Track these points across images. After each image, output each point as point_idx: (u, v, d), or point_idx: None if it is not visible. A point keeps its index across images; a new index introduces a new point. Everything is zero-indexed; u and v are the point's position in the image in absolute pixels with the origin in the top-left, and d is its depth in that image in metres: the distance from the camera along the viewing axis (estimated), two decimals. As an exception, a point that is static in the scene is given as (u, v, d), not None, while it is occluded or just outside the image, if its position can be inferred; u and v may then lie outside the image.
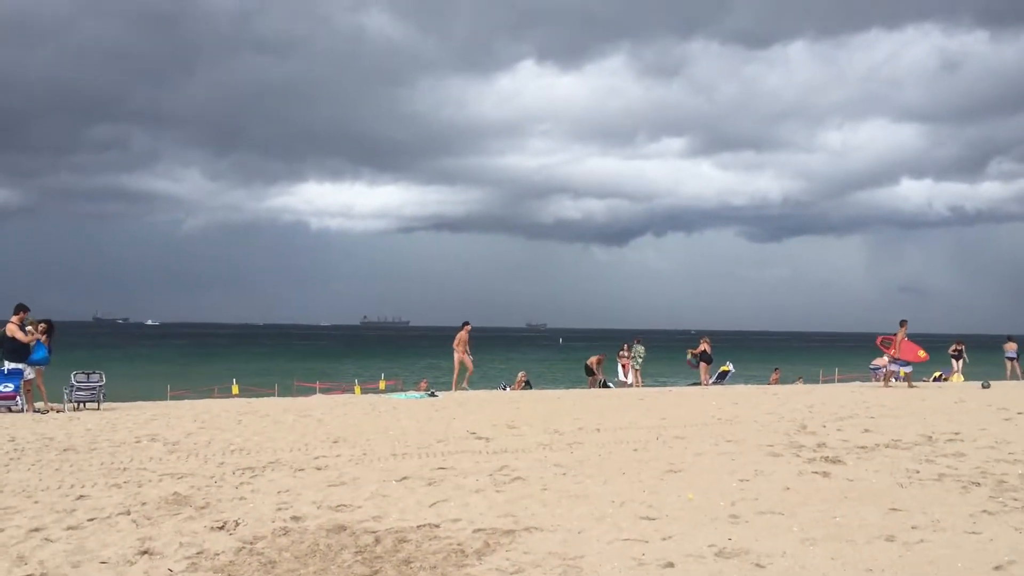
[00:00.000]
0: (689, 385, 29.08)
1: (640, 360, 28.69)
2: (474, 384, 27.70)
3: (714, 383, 28.92)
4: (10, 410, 16.31)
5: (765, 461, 10.59)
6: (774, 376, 32.10)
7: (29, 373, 16.58)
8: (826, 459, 10.69)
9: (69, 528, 7.19)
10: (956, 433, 13.22)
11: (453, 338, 24.76)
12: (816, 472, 9.77)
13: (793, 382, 31.47)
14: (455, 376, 24.73)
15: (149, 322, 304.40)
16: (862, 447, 11.77)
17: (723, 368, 30.69)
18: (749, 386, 27.99)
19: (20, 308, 16.84)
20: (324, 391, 27.37)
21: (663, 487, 8.92)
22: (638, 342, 29.13)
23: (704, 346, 28.86)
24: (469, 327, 24.69)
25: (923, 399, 20.58)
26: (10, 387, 16.49)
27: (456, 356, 24.53)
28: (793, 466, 10.20)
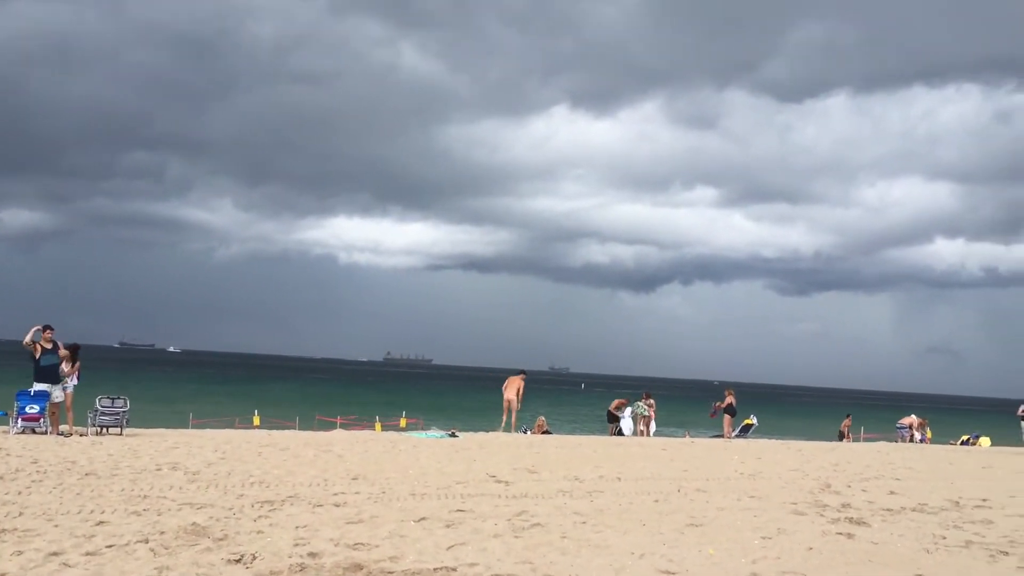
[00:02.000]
0: (711, 437, 28.78)
1: (643, 411, 28.14)
2: (491, 427, 27.62)
3: (737, 436, 28.60)
4: (34, 432, 16.45)
5: (788, 519, 10.43)
6: (846, 423, 33.02)
7: (56, 396, 16.74)
8: (851, 520, 10.51)
9: (88, 554, 7.20)
10: (984, 500, 12.98)
11: (502, 382, 26.00)
12: (840, 533, 9.61)
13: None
14: (505, 417, 25.41)
15: (171, 349, 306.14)
16: (888, 509, 11.57)
17: (747, 421, 30.36)
18: (773, 440, 27.66)
19: (46, 327, 17.11)
20: (345, 426, 27.34)
21: (683, 541, 8.80)
22: (646, 396, 28.69)
23: (729, 398, 28.59)
24: (525, 376, 25.86)
25: (950, 463, 20.25)
26: (35, 408, 16.63)
27: (505, 398, 25.43)
28: (817, 526, 10.04)
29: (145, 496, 10.03)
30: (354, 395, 72.01)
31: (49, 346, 16.86)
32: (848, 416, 34.79)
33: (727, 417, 28.54)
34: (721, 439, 27.14)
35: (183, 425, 24.56)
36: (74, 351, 17.47)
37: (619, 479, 13.68)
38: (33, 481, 10.64)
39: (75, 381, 17.40)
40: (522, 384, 25.61)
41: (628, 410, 27.71)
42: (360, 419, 29.85)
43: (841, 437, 32.62)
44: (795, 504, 11.67)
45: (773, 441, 27.39)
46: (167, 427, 21.39)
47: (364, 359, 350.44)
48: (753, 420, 30.75)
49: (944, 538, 9.57)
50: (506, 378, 26.17)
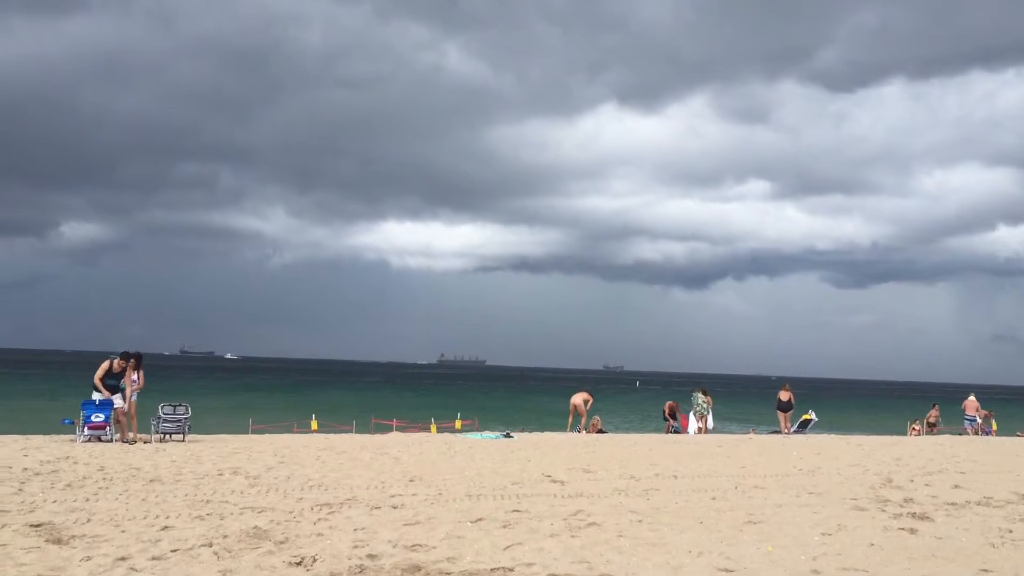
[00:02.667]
0: (769, 433, 28.45)
1: (704, 408, 28.00)
2: (548, 426, 27.66)
3: (795, 432, 28.22)
4: (100, 439, 16.87)
5: (849, 515, 10.29)
6: (933, 413, 32.11)
7: (120, 403, 17.17)
8: (913, 515, 10.33)
9: (154, 558, 7.38)
10: (1053, 492, 12.66)
11: (556, 382, 26.70)
12: (903, 528, 9.45)
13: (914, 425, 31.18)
14: (570, 420, 26.18)
15: (228, 356, 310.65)
16: (952, 504, 11.35)
17: (805, 417, 29.94)
18: (832, 436, 27.25)
19: (124, 356, 17.65)
20: (400, 429, 27.57)
21: (742, 538, 8.74)
22: (702, 392, 28.49)
23: (785, 394, 28.22)
24: (591, 398, 26.67)
25: (1017, 455, 19.76)
26: (101, 417, 17.06)
27: (571, 403, 26.32)
28: (878, 521, 9.89)
29: (208, 501, 10.24)
30: (409, 398, 72.61)
31: (119, 370, 17.44)
32: (935, 406, 33.61)
33: (782, 413, 28.16)
34: (779, 435, 26.81)
35: (243, 431, 24.98)
36: (138, 360, 17.92)
37: (675, 477, 13.61)
38: (100, 488, 10.93)
39: (139, 387, 17.86)
40: (589, 398, 26.51)
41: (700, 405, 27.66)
42: (415, 421, 30.05)
43: (931, 428, 31.85)
44: (856, 500, 11.50)
45: (832, 436, 26.98)
46: (227, 433, 21.78)
47: (418, 362, 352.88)
48: (812, 415, 30.30)
49: (1011, 532, 9.36)
50: (574, 391, 27.16)
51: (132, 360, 17.75)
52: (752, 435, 28.44)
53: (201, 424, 20.82)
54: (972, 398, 31.68)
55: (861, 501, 11.39)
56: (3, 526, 8.38)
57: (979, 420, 31.34)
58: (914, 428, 31.63)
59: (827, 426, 33.64)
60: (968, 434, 30.47)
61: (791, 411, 28.37)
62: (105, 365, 17.35)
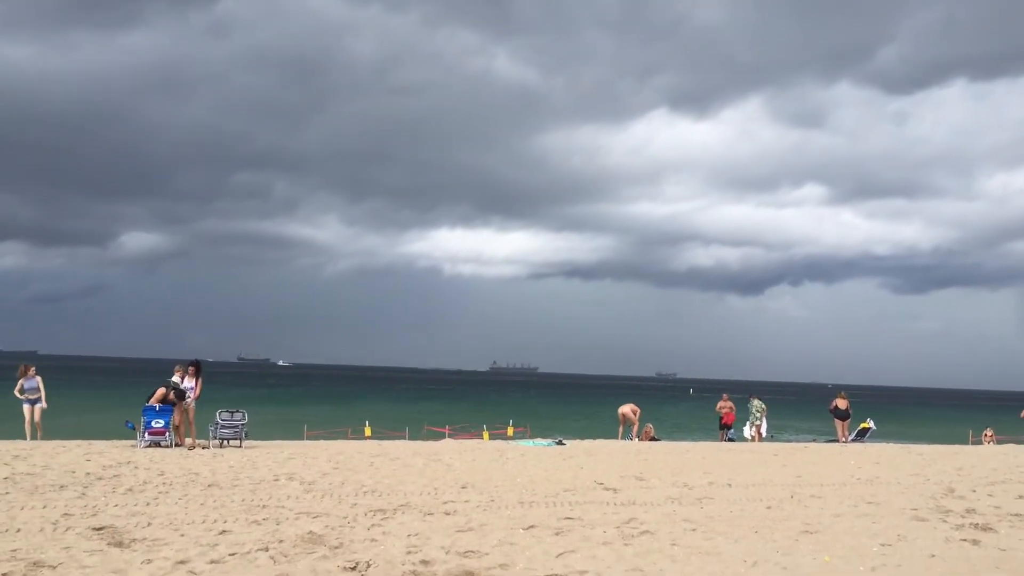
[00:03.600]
0: (826, 442, 27.99)
1: (758, 415, 27.80)
2: (598, 434, 27.58)
3: (853, 440, 27.73)
4: (160, 445, 17.21)
5: (909, 525, 10.08)
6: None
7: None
8: (976, 526, 10.08)
9: (212, 562, 7.51)
10: (1124, 504, 12.25)
11: (608, 389, 26.99)
12: (965, 540, 9.23)
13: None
14: (621, 429, 26.40)
15: (280, 363, 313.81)
16: (1016, 515, 11.05)
17: (863, 425, 29.39)
18: (891, 445, 26.72)
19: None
20: (452, 436, 27.69)
21: (798, 548, 8.61)
22: (753, 398, 28.32)
23: (839, 402, 27.75)
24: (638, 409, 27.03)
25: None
26: (160, 423, 17.42)
27: (620, 412, 26.63)
28: (939, 532, 9.67)
29: (264, 506, 10.39)
30: (461, 405, 72.84)
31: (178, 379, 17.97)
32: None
33: (839, 422, 27.72)
34: (836, 443, 26.36)
35: (298, 437, 25.30)
36: (197, 368, 18.27)
37: (730, 486, 13.46)
38: (160, 492, 11.15)
39: (196, 395, 18.20)
40: (637, 408, 26.68)
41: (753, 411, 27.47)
42: (468, 428, 30.16)
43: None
44: (916, 510, 11.26)
45: (892, 445, 26.45)
46: (283, 439, 22.08)
47: (470, 369, 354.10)
48: (870, 424, 29.73)
49: (1079, 545, 9.08)
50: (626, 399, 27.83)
51: (191, 368, 18.12)
52: (816, 444, 27.99)
53: (257, 430, 21.16)
54: None
55: (921, 511, 11.14)
56: (67, 529, 8.60)
57: None
58: (987, 435, 30.83)
59: (886, 435, 32.96)
60: None
61: (848, 419, 27.90)
62: (160, 392, 17.74)
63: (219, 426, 18.19)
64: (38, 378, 18.73)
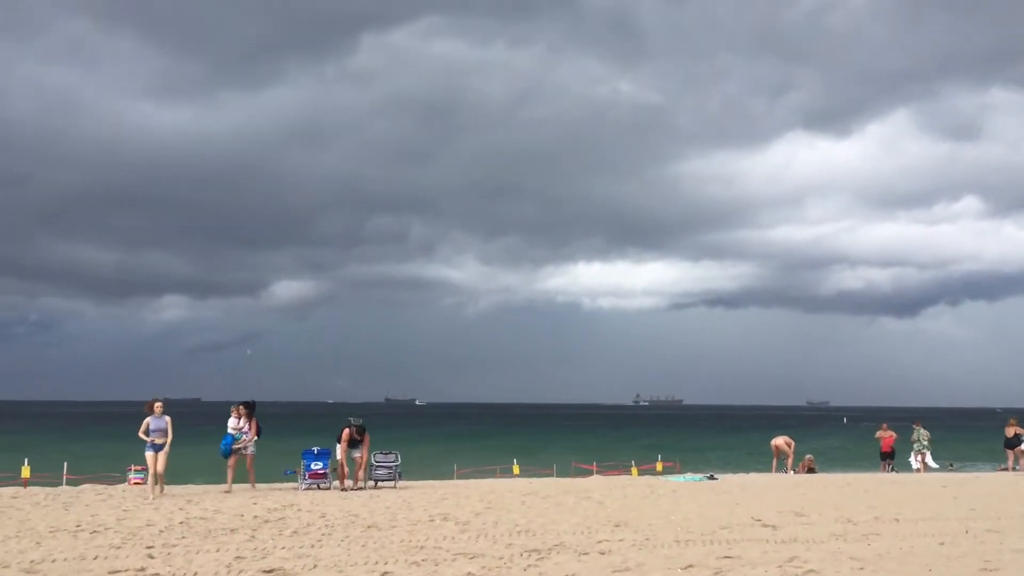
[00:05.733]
0: (998, 470, 26.30)
1: (924, 444, 26.48)
2: (751, 468, 26.85)
3: (1028, 469, 25.92)
4: (319, 487, 17.81)
5: (1102, 562, 9.33)
6: None
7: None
8: None
9: (377, 603, 7.68)
10: None
11: (756, 420, 26.34)
12: None
13: None
14: (775, 462, 26.31)
15: (417, 402, 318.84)
16: None
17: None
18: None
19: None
20: (601, 472, 27.49)
21: (979, 588, 8.10)
22: (918, 425, 26.96)
23: (1013, 428, 26.05)
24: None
25: None
26: (320, 465, 18.04)
27: (773, 444, 26.54)
28: None
29: (422, 547, 10.58)
30: (607, 440, 72.29)
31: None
32: None
33: (1009, 450, 26.02)
34: (1008, 473, 24.72)
35: (448, 476, 25.70)
36: (250, 409, 18.27)
37: (897, 520, 12.83)
38: (323, 534, 11.53)
39: (252, 438, 18.09)
40: (791, 441, 26.36)
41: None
42: (616, 464, 29.88)
43: None
44: (1109, 545, 10.42)
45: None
46: (434, 479, 22.47)
47: (614, 403, 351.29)
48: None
49: None
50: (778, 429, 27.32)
51: (242, 408, 18.18)
52: (1011, 471, 26.35)
53: (409, 470, 21.62)
54: None
55: (1116, 546, 10.30)
56: (240, 572, 9.00)
57: None
58: None
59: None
60: None
61: (1019, 446, 26.14)
62: (347, 433, 17.76)
63: (374, 467, 18.67)
64: (167, 418, 16.14)
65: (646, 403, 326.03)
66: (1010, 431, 26.02)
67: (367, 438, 18.09)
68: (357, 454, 18.09)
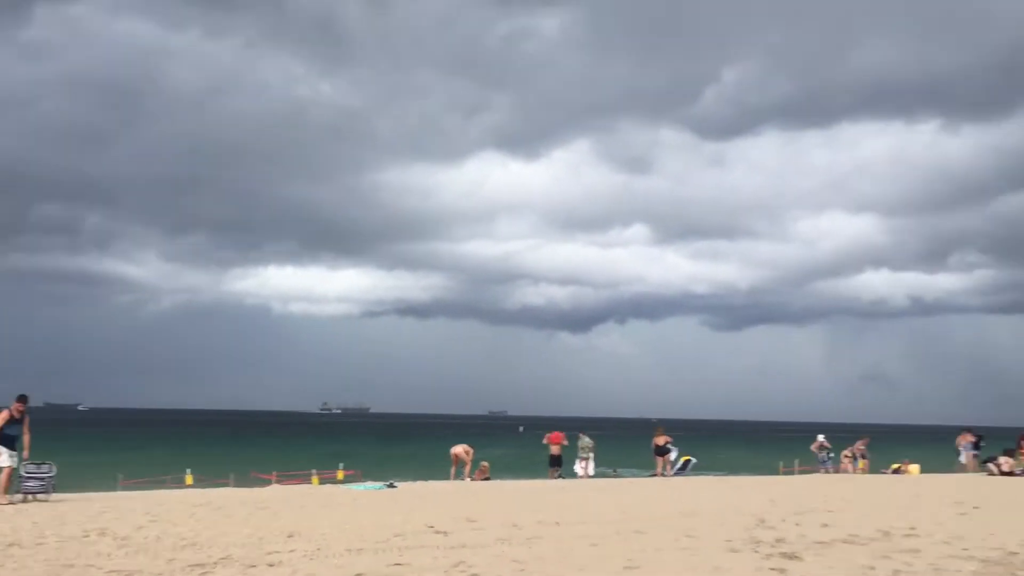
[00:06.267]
0: (648, 476, 28.99)
1: (587, 452, 28.76)
2: (432, 476, 27.53)
3: (676, 473, 28.85)
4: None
5: (724, 557, 10.55)
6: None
7: (4, 461, 16.14)
8: (784, 555, 10.67)
9: (10, 630, 6.97)
10: (912, 528, 13.29)
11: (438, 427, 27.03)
12: (773, 569, 9.74)
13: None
14: (453, 470, 27.32)
15: (80, 407, 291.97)
16: (820, 542, 11.78)
17: (685, 458, 30.68)
18: (711, 477, 27.98)
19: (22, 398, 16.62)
20: (280, 481, 26.86)
21: (620, 584, 8.84)
22: (583, 434, 29.29)
23: (659, 439, 28.88)
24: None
25: (881, 492, 20.70)
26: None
27: (452, 453, 27.61)
28: (751, 562, 10.17)
29: (71, 565, 9.73)
30: (291, 448, 70.77)
31: (18, 416, 16.36)
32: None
33: (659, 458, 28.83)
34: (657, 477, 27.35)
35: (112, 487, 23.88)
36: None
37: (558, 524, 13.69)
38: (-49, 555, 10.26)
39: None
40: (470, 449, 27.40)
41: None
42: (297, 473, 29.34)
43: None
44: (730, 541, 11.81)
45: (712, 477, 27.70)
46: (94, 490, 20.78)
47: (301, 410, 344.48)
48: (691, 457, 31.09)
49: (873, 569, 9.77)
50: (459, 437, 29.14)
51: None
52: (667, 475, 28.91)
53: (65, 482, 19.82)
54: (820, 438, 33.79)
55: (735, 543, 11.69)
56: None
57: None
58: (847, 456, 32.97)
59: (706, 467, 34.46)
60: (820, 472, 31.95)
61: (667, 454, 29.02)
62: (4, 415, 16.25)
63: (24, 479, 16.92)
64: None
65: (338, 411, 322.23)
66: (660, 440, 28.80)
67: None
68: (7, 459, 16.29)
